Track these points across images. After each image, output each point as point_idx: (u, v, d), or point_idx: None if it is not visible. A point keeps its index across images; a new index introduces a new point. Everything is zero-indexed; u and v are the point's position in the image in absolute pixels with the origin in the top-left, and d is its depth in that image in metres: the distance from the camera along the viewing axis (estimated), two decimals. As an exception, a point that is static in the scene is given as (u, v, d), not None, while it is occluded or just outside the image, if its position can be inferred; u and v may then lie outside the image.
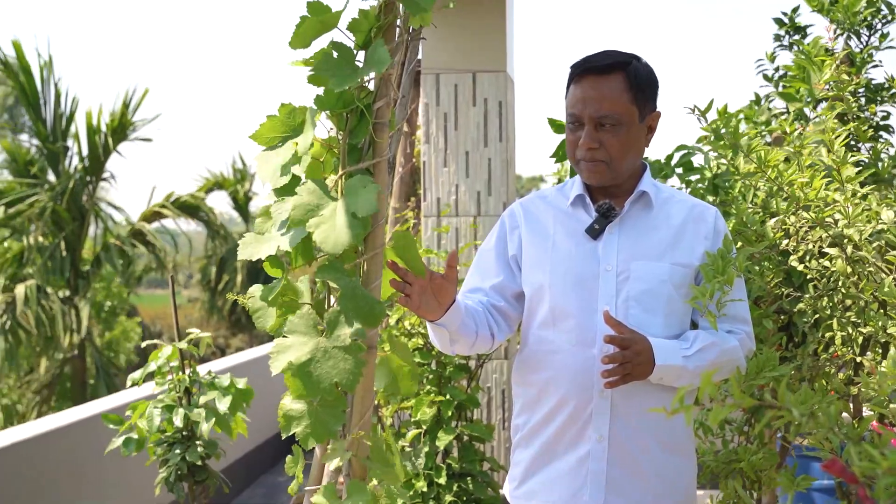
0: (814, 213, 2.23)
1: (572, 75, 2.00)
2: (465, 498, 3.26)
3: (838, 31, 3.12)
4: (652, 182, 2.06)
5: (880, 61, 3.05)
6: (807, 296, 2.36)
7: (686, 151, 3.19)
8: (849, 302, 2.30)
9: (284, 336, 1.51)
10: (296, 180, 1.57)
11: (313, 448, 1.60)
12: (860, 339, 2.36)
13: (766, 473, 2.39)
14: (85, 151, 13.06)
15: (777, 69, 3.53)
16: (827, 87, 2.62)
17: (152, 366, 3.10)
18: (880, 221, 2.20)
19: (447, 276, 1.81)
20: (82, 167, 13.03)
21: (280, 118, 1.59)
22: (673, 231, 2.01)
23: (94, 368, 12.98)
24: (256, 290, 1.63)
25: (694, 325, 2.05)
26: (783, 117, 3.08)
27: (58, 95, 13.08)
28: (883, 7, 3.11)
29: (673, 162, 3.19)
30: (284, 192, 1.58)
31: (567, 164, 3.49)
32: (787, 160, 2.44)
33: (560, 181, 3.20)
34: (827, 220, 2.25)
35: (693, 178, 3.19)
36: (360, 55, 1.57)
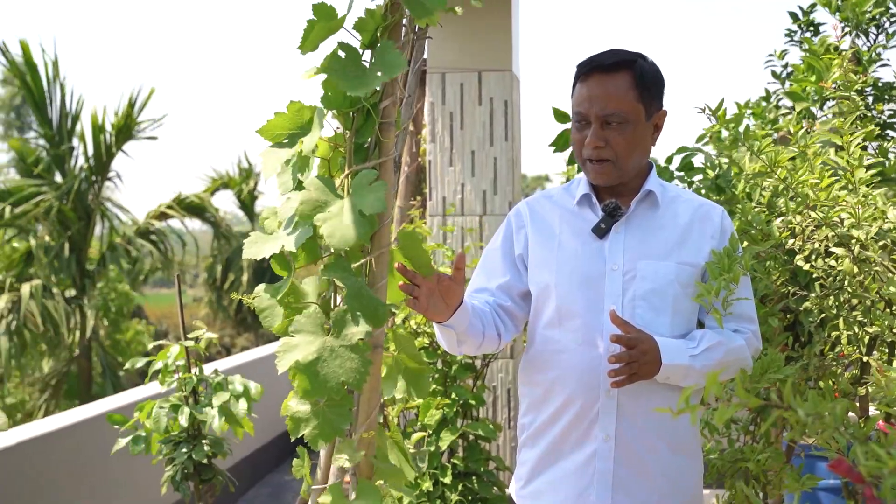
0: (821, 213, 2.23)
1: (578, 74, 2.00)
2: (470, 497, 3.26)
3: (846, 29, 3.11)
4: (658, 181, 2.06)
5: (888, 60, 3.05)
6: (813, 295, 2.35)
7: (687, 153, 3.18)
8: (855, 301, 2.29)
9: (291, 335, 1.51)
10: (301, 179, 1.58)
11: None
12: (866, 339, 2.35)
13: (773, 473, 2.38)
14: (90, 151, 13.08)
15: (786, 66, 3.52)
16: (834, 86, 2.61)
17: (158, 364, 3.11)
18: (886, 220, 2.20)
19: (455, 277, 1.81)
20: (88, 167, 13.05)
21: (289, 115, 1.60)
22: (679, 230, 2.00)
23: (100, 368, 13.01)
24: (263, 289, 1.63)
25: (700, 325, 2.05)
26: (788, 117, 3.07)
27: (63, 95, 13.11)
28: (892, 5, 3.10)
29: (673, 165, 3.17)
30: (290, 190, 1.59)
31: (574, 165, 3.47)
32: (793, 159, 2.43)
33: (568, 181, 3.19)
34: (833, 219, 2.24)
35: (696, 178, 3.18)
36: (367, 54, 1.58)
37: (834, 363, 2.47)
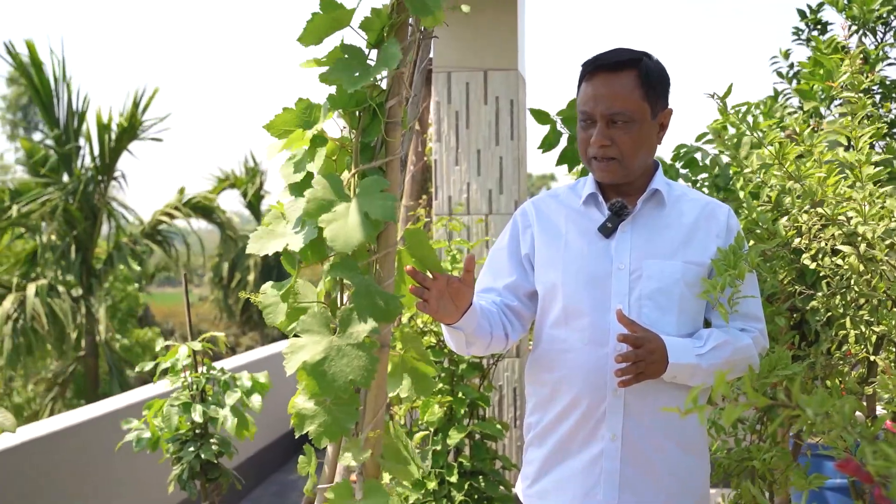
0: (828, 210, 2.22)
1: (584, 73, 2.00)
2: (476, 496, 3.26)
3: (853, 28, 3.10)
4: (664, 180, 2.05)
5: (895, 58, 3.03)
6: (819, 294, 2.35)
7: (686, 149, 3.17)
8: (862, 300, 2.29)
9: (297, 336, 1.51)
10: (309, 176, 1.58)
11: (325, 447, 1.60)
12: (873, 338, 2.34)
13: (779, 472, 2.38)
14: (96, 151, 13.12)
15: (791, 65, 3.50)
16: (843, 85, 2.60)
17: (166, 364, 3.12)
18: (894, 219, 2.19)
19: (464, 279, 1.81)
20: (94, 166, 13.09)
21: (296, 111, 1.60)
22: (685, 229, 2.00)
23: (106, 367, 13.05)
24: (269, 287, 1.64)
25: (707, 324, 2.04)
26: (794, 116, 3.06)
27: (70, 94, 13.15)
28: (901, 4, 3.08)
29: (679, 163, 3.16)
30: (298, 189, 1.59)
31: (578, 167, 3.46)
32: (800, 157, 2.43)
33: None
34: (840, 217, 2.24)
35: (702, 176, 3.17)
36: (373, 54, 1.58)
37: (841, 362, 2.47)
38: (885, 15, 3.08)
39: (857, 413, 2.29)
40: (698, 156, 3.16)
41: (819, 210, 2.26)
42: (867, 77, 2.60)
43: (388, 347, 1.61)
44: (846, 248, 2.22)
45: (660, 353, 1.85)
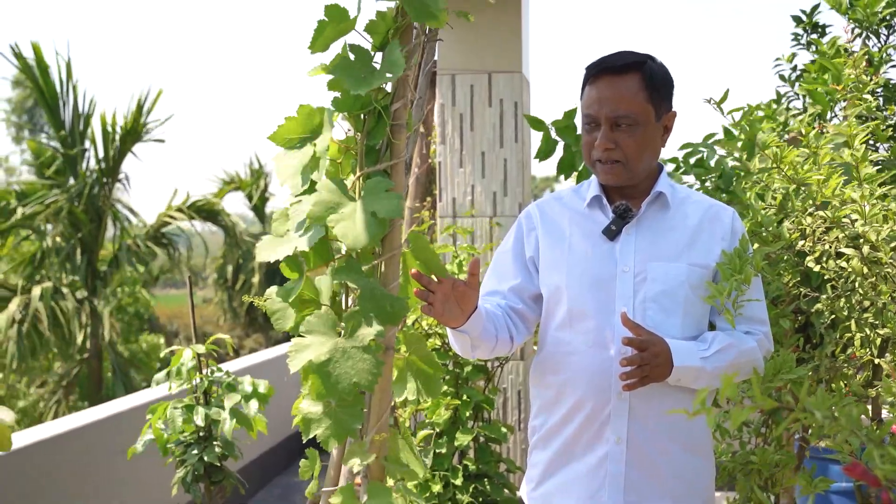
0: (830, 212, 2.22)
1: (588, 76, 2.00)
2: (481, 499, 3.26)
3: (857, 31, 3.10)
4: (668, 182, 2.05)
5: (899, 60, 3.03)
6: (824, 296, 2.34)
7: (690, 150, 3.16)
8: (867, 303, 2.28)
9: (302, 335, 1.51)
10: (314, 183, 1.58)
11: (328, 450, 1.60)
12: (878, 341, 2.34)
13: (784, 475, 2.37)
14: (101, 153, 13.13)
15: (794, 68, 3.50)
16: (848, 88, 2.60)
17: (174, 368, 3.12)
18: (898, 221, 2.18)
19: (469, 282, 1.80)
20: (98, 168, 13.10)
21: (299, 119, 1.60)
22: (689, 232, 2.00)
23: (111, 369, 13.05)
24: (274, 291, 1.64)
25: (712, 327, 2.04)
26: (800, 118, 3.06)
27: (76, 97, 13.17)
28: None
29: (680, 164, 3.14)
30: (303, 193, 1.59)
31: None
32: (807, 159, 2.42)
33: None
34: (843, 220, 2.23)
35: (710, 177, 3.16)
36: (378, 56, 1.58)
37: (845, 365, 2.46)
38: (888, 17, 3.07)
39: (862, 416, 2.28)
40: (706, 155, 3.15)
41: (822, 213, 2.25)
42: (871, 79, 2.60)
43: (392, 350, 1.61)
44: (849, 251, 2.21)
45: (664, 357, 1.84)
